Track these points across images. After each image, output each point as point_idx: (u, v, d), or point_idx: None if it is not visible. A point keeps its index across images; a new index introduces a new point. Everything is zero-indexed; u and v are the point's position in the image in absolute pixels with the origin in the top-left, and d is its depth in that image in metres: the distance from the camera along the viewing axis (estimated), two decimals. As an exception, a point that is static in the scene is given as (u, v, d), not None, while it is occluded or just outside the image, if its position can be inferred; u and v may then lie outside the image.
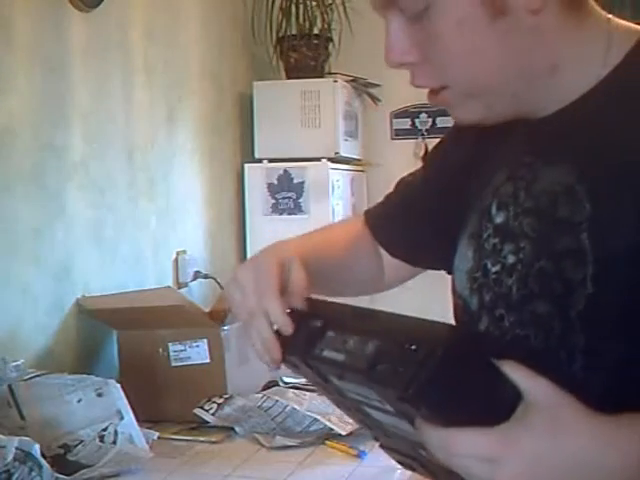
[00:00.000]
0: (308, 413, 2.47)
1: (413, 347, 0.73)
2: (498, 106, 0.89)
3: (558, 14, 0.86)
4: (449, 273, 1.11)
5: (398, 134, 4.04)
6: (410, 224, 1.15)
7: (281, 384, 2.70)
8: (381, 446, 0.96)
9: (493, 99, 0.88)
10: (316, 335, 0.85)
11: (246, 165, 3.70)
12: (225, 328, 2.65)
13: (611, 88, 0.88)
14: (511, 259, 0.91)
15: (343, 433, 2.34)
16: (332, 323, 0.85)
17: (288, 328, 0.90)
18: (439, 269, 1.12)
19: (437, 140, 1.18)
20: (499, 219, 0.94)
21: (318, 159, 3.57)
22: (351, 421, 1.22)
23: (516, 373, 0.76)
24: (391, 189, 1.24)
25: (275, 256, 1.01)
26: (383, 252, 1.19)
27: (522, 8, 0.83)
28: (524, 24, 0.84)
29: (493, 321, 0.93)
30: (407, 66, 0.89)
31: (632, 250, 0.82)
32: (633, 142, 0.84)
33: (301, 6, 3.71)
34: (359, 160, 3.94)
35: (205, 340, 2.63)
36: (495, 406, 0.75)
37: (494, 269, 0.93)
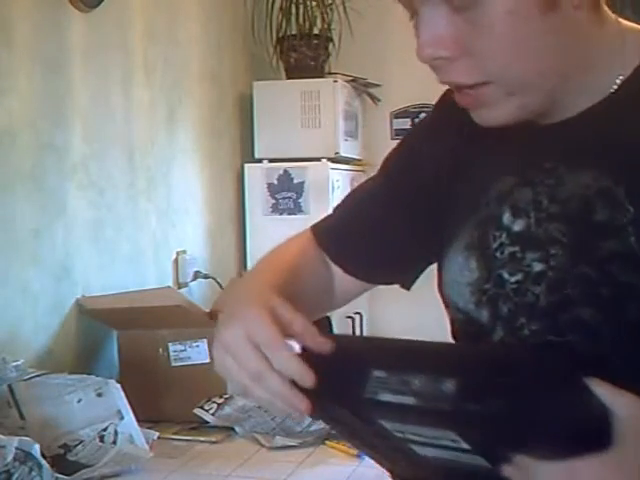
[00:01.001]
0: (308, 413, 2.47)
1: (501, 380, 0.69)
2: (531, 105, 0.86)
3: (589, 12, 0.85)
4: (405, 287, 1.08)
5: (398, 134, 4.04)
6: (366, 237, 1.07)
7: (281, 384, 2.70)
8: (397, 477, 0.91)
9: (530, 97, 0.85)
10: (356, 377, 0.76)
11: (246, 165, 3.70)
12: (225, 328, 2.65)
13: (635, 88, 0.87)
14: (538, 267, 0.88)
15: (343, 433, 2.34)
16: (371, 361, 0.77)
17: (309, 378, 0.79)
18: (394, 284, 1.08)
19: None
20: (517, 227, 0.90)
21: (318, 159, 3.57)
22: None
23: (601, 389, 0.74)
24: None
25: (256, 303, 0.85)
26: (335, 269, 1.09)
27: (569, 2, 0.82)
28: (569, 19, 0.83)
29: (510, 331, 0.90)
30: (440, 61, 0.84)
31: None
32: None
33: (301, 6, 3.71)
34: (359, 160, 3.95)
35: (205, 340, 2.63)
36: (591, 426, 0.73)
37: (514, 278, 0.90)
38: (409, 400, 0.72)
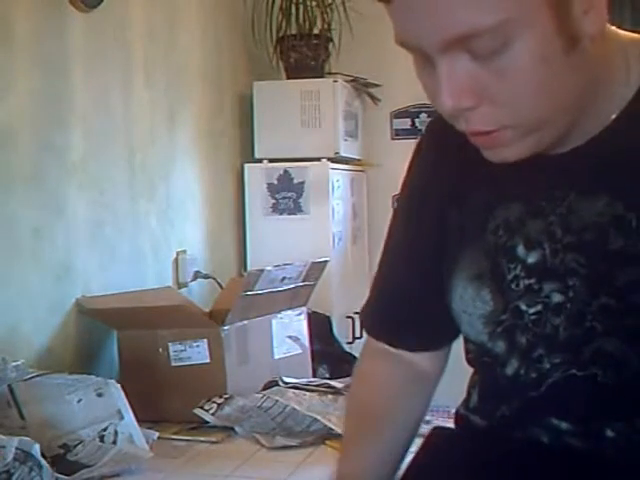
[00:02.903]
0: (308, 413, 2.47)
1: None
2: (547, 140, 0.84)
3: (600, 39, 0.84)
4: None
5: (398, 134, 4.04)
6: (413, 308, 1.06)
7: (281, 384, 2.70)
8: None
9: (548, 133, 0.84)
10: None
11: (246, 165, 3.70)
12: (225, 328, 2.65)
13: (635, 115, 0.86)
14: (557, 298, 0.87)
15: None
16: None
17: None
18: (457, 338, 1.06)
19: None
20: (532, 259, 0.89)
21: (318, 159, 3.57)
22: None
23: None
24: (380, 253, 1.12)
25: None
26: (405, 357, 1.08)
27: (587, 35, 0.80)
28: (586, 53, 0.81)
29: (527, 363, 0.89)
30: (463, 111, 0.82)
31: None
32: None
33: (301, 6, 3.71)
34: (359, 160, 3.94)
35: (205, 340, 2.62)
36: None
37: (532, 310, 0.89)
38: None
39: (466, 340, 0.98)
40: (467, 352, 1.00)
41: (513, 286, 0.90)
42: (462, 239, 0.96)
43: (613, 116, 0.87)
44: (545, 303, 0.88)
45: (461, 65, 0.80)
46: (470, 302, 0.93)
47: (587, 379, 0.85)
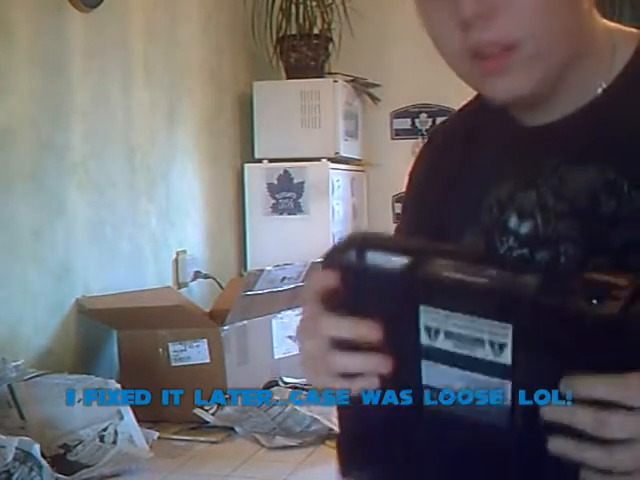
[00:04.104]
0: (308, 413, 2.47)
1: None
2: (551, 74, 0.88)
3: (591, 7, 0.89)
4: None
5: (398, 134, 4.04)
6: None
7: (281, 384, 2.70)
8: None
9: (552, 65, 0.87)
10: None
11: (246, 165, 3.70)
12: (225, 328, 2.65)
13: (629, 81, 0.89)
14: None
15: (343, 433, 2.33)
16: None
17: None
18: None
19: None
20: (524, 229, 0.91)
21: (318, 159, 3.57)
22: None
23: None
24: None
25: None
26: None
27: None
28: (581, 4, 0.87)
29: None
30: (480, 19, 0.85)
31: None
32: None
33: (301, 6, 3.71)
34: (359, 160, 3.94)
35: (205, 340, 2.63)
36: None
37: None
38: (481, 280, 0.70)
39: None
40: None
41: None
42: (461, 224, 0.98)
43: (600, 89, 0.90)
44: None
45: None
46: None
47: None
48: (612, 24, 0.93)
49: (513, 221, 0.92)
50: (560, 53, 0.87)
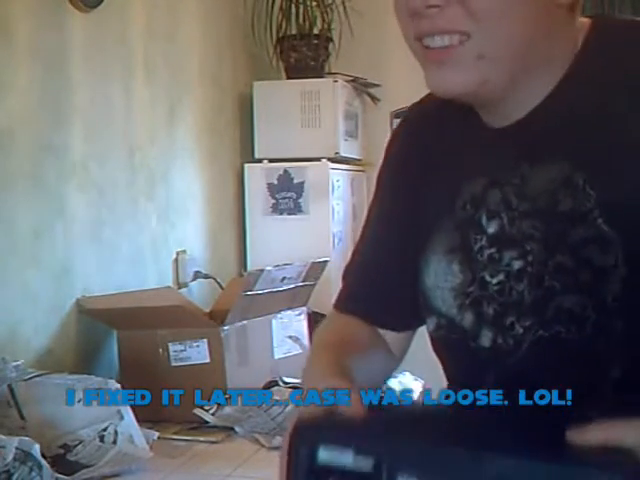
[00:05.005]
0: (308, 413, 2.47)
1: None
2: (493, 80, 0.88)
3: (566, 13, 0.89)
4: None
5: (398, 134, 4.04)
6: (388, 290, 1.07)
7: (281, 384, 2.70)
8: None
9: (494, 70, 0.87)
10: None
11: (246, 165, 3.70)
12: (225, 328, 2.65)
13: (578, 78, 0.90)
14: (517, 264, 0.90)
15: (343, 433, 2.33)
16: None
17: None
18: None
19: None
20: (492, 229, 0.93)
21: (318, 159, 3.57)
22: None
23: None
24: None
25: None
26: (383, 332, 1.09)
27: None
28: (549, 13, 0.87)
29: (501, 332, 0.92)
30: (431, 9, 0.86)
31: None
32: (612, 121, 0.87)
33: (301, 6, 3.71)
34: (359, 160, 3.94)
35: (205, 340, 2.63)
36: None
37: (496, 279, 0.92)
38: None
39: (437, 317, 0.99)
40: (433, 337, 1.01)
41: (479, 257, 0.93)
42: (435, 217, 0.99)
43: (551, 87, 0.91)
44: (507, 271, 0.91)
45: None
46: (442, 276, 0.96)
47: (553, 338, 0.88)
48: (585, 20, 0.93)
49: (484, 220, 0.94)
50: (508, 60, 0.87)
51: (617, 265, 0.84)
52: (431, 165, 1.01)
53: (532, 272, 0.89)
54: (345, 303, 1.12)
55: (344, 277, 1.15)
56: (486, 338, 0.93)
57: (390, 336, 1.10)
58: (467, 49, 0.87)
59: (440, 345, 1.00)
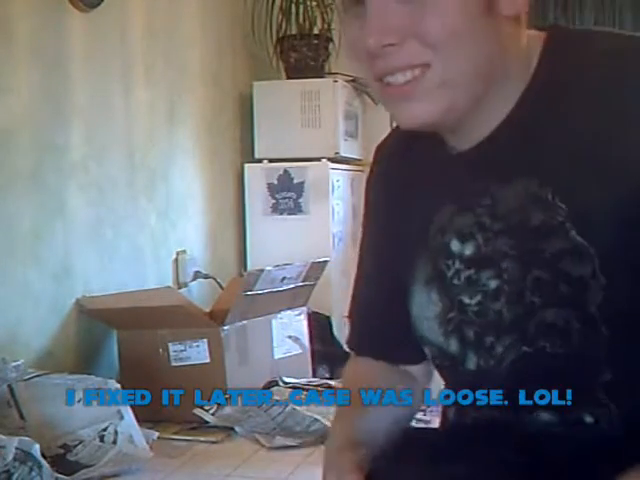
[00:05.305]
0: (308, 413, 2.47)
1: None
2: (457, 105, 0.88)
3: (514, 26, 0.89)
4: None
5: (398, 134, 4.04)
6: (397, 326, 1.06)
7: (281, 384, 2.70)
8: None
9: (459, 95, 0.88)
10: None
11: (246, 165, 3.70)
12: (225, 328, 2.65)
13: (538, 91, 0.90)
14: (494, 284, 0.91)
15: (343, 433, 2.33)
16: None
17: None
18: None
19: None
20: (468, 251, 0.93)
21: (318, 159, 3.57)
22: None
23: None
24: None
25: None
26: (403, 367, 1.09)
27: (500, 11, 0.86)
28: (501, 28, 0.87)
29: (482, 354, 0.92)
30: (387, 48, 0.86)
31: (625, 226, 0.83)
32: (575, 133, 0.87)
33: (301, 6, 3.71)
34: (359, 160, 3.94)
35: (205, 340, 2.63)
36: None
37: (474, 301, 0.92)
38: None
39: (428, 345, 1.00)
40: (433, 358, 1.02)
41: (455, 281, 0.94)
42: (414, 249, 1.00)
43: (512, 102, 0.91)
44: (484, 291, 0.91)
45: (386, 4, 0.85)
46: (425, 305, 0.97)
47: (537, 353, 0.88)
48: (533, 33, 0.93)
49: (455, 244, 0.94)
50: (471, 82, 0.88)
51: (595, 275, 0.84)
52: (407, 199, 1.02)
53: (509, 290, 0.89)
54: (358, 346, 1.13)
55: (349, 316, 1.16)
56: (471, 362, 0.94)
57: (412, 367, 1.10)
58: (429, 79, 0.87)
59: (439, 371, 1.02)
